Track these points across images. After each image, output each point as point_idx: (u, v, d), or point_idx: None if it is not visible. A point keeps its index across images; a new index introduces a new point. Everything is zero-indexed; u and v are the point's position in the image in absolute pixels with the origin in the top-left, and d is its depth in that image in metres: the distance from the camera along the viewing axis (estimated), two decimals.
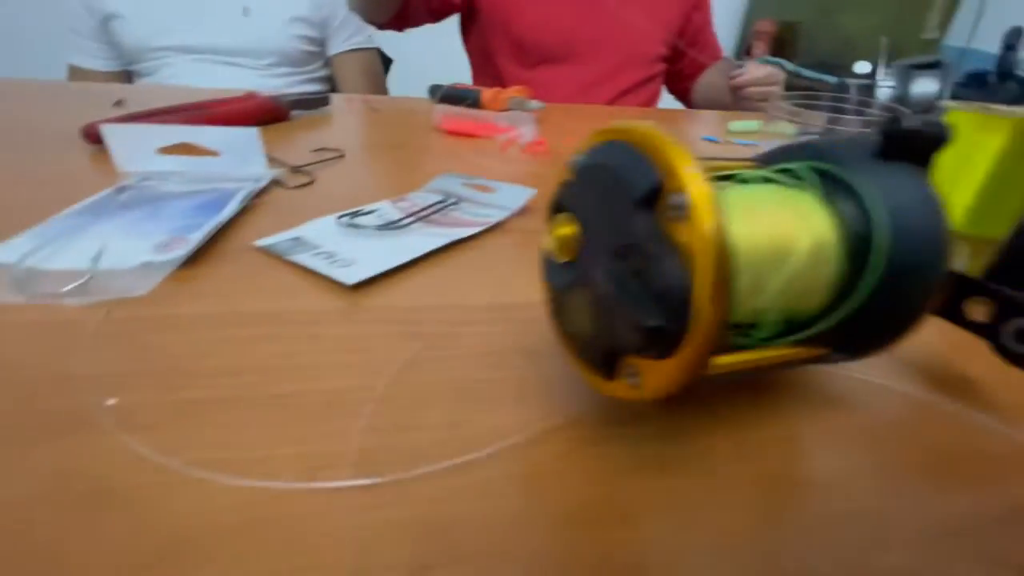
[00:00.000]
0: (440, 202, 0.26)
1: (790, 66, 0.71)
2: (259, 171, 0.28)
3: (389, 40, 0.99)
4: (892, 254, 0.12)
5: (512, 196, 0.27)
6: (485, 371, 0.16)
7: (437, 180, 0.29)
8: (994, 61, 1.22)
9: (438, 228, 0.24)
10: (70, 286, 0.17)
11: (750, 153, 0.44)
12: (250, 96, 0.41)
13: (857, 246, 0.12)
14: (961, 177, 0.27)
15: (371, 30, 0.99)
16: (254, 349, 0.16)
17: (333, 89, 1.01)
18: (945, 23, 1.30)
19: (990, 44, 1.39)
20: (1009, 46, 1.15)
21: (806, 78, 0.70)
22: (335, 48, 0.96)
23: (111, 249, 0.20)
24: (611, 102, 0.78)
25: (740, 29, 1.73)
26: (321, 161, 0.32)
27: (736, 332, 0.13)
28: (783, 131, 0.55)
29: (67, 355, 0.15)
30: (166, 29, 0.82)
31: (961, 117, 0.27)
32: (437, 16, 0.78)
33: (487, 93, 0.51)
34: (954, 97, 0.42)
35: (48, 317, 0.16)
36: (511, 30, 0.75)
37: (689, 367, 0.11)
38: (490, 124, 0.43)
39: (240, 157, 0.27)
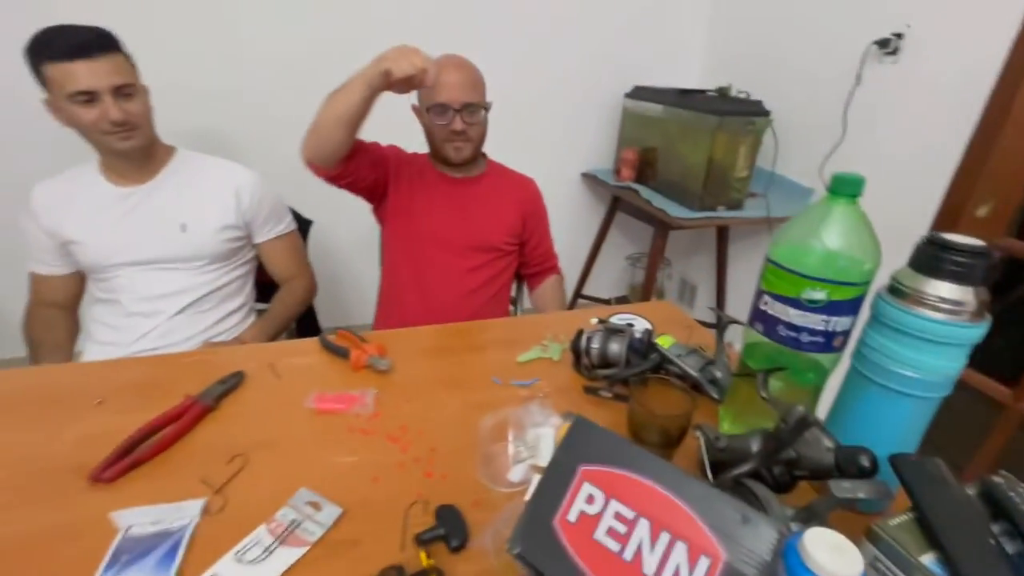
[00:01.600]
0: (292, 522, 0.51)
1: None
2: (194, 510, 0.52)
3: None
4: None
5: (329, 514, 0.52)
6: None
7: (297, 495, 0.54)
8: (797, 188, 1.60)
9: (288, 549, 0.49)
10: None
11: (524, 394, 0.70)
12: (187, 404, 0.65)
13: None
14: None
15: (289, 217, 1.23)
16: None
17: (260, 266, 1.22)
18: (751, 165, 1.68)
19: (792, 172, 1.79)
20: None
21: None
22: (259, 239, 1.18)
23: None
24: (469, 271, 1.16)
25: (614, 157, 2.11)
26: (234, 476, 0.57)
27: None
28: (552, 355, 0.83)
29: None
30: (117, 250, 1.04)
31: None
32: (369, 184, 1.12)
33: (353, 354, 0.77)
34: None
35: None
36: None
37: None
38: (347, 397, 0.69)
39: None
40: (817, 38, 1.68)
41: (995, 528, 0.41)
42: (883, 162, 1.49)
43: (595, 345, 0.75)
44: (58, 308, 1.08)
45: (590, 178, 2.17)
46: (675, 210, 1.70)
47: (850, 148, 1.58)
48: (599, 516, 0.39)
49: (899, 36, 1.41)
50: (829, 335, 0.53)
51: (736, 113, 1.62)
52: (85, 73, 0.87)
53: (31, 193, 1.02)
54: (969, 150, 1.28)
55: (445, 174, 1.17)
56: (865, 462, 0.44)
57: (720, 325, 0.75)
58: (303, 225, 1.43)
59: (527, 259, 1.27)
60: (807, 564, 0.33)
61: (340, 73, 0.92)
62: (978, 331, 0.46)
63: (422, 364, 0.80)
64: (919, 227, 1.39)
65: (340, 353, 0.78)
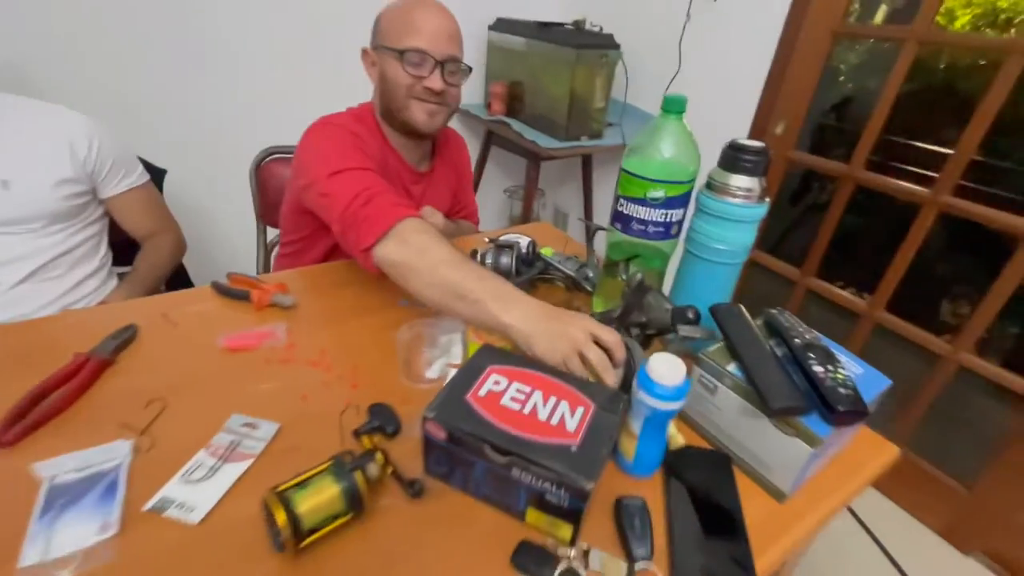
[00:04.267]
0: (232, 442, 0.55)
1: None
2: (124, 450, 0.53)
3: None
4: None
5: (267, 430, 0.57)
6: None
7: (230, 421, 0.57)
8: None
9: (233, 464, 0.53)
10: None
11: (433, 310, 0.78)
12: (81, 362, 0.62)
13: None
14: None
15: (140, 167, 1.11)
16: None
17: (112, 225, 1.10)
18: (606, 97, 1.85)
19: (642, 103, 2.00)
20: None
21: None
22: (108, 193, 1.06)
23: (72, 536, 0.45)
24: None
25: (484, 91, 2.14)
26: (157, 418, 0.57)
27: None
28: None
29: None
30: None
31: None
32: None
33: (254, 294, 0.78)
34: None
35: None
36: None
37: None
38: (256, 334, 0.71)
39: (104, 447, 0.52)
40: None
41: (772, 342, 0.60)
42: (710, 88, 1.74)
43: (488, 260, 0.85)
44: None
45: (463, 113, 2.19)
46: (544, 141, 1.82)
47: (684, 77, 1.81)
48: (503, 392, 0.52)
49: None
50: (668, 224, 0.68)
51: (592, 46, 1.74)
52: None
53: None
54: (768, 78, 1.56)
55: (407, 164, 0.97)
56: (691, 314, 0.61)
57: (589, 233, 0.89)
58: (156, 175, 1.29)
59: (451, 208, 1.16)
60: (651, 376, 0.47)
61: None
62: (762, 209, 0.64)
63: (327, 297, 0.83)
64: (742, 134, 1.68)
65: (239, 296, 0.78)
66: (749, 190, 0.63)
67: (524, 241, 0.99)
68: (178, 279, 1.34)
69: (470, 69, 0.93)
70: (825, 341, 0.58)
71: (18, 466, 0.50)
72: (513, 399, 0.51)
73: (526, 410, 0.49)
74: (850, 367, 0.57)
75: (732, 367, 0.56)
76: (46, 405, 0.57)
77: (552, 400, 0.51)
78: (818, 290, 1.60)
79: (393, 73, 0.86)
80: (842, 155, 1.50)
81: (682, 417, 0.62)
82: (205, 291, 0.80)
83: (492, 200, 2.47)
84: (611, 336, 0.57)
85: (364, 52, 0.91)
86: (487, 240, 0.91)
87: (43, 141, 0.93)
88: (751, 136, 1.65)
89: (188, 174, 1.60)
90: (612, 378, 0.56)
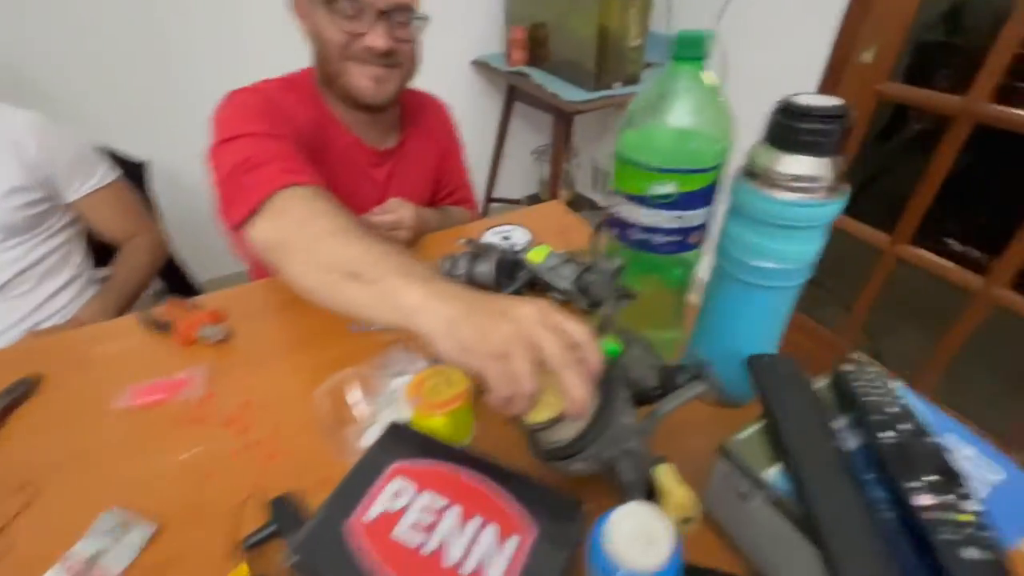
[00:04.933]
0: (94, 554, 0.43)
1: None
2: None
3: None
4: None
5: (139, 535, 0.44)
6: None
7: (100, 520, 0.45)
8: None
9: None
10: None
11: (388, 339, 0.62)
12: None
13: None
14: None
15: (104, 164, 1.00)
16: None
17: (89, 231, 1.02)
18: (644, 32, 1.53)
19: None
20: None
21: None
22: (72, 196, 0.96)
23: None
24: None
25: (503, 38, 1.87)
26: (22, 511, 0.46)
27: None
28: None
29: None
30: None
31: None
32: None
33: (178, 327, 0.65)
34: None
35: None
36: None
37: None
38: (170, 384, 0.58)
39: None
40: None
41: (843, 421, 0.38)
42: (776, 9, 1.38)
43: (460, 271, 0.67)
44: None
45: (481, 66, 1.94)
46: (570, 93, 1.56)
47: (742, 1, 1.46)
48: (403, 511, 0.34)
49: None
50: (684, 232, 0.47)
51: None
52: None
53: None
54: None
55: (362, 142, 0.78)
56: (690, 375, 0.40)
57: (597, 227, 0.68)
58: (134, 170, 1.19)
59: (434, 195, 0.97)
60: (609, 555, 0.28)
61: None
62: (835, 207, 0.41)
63: (268, 323, 0.69)
64: (812, 75, 1.33)
65: (164, 328, 0.66)
66: (814, 179, 0.39)
67: (519, 237, 0.80)
68: (175, 275, 1.26)
69: (426, 18, 0.70)
70: (939, 426, 0.36)
71: None
72: (415, 526, 0.34)
73: (428, 547, 0.33)
74: (980, 481, 0.35)
75: (774, 474, 0.36)
76: None
77: (474, 524, 0.34)
78: (914, 260, 1.28)
79: (323, 28, 0.65)
80: (948, 83, 1.14)
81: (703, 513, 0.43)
82: (129, 323, 0.68)
83: (518, 163, 2.23)
84: (577, 326, 0.35)
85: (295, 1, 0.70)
86: (463, 241, 0.72)
87: None
88: (831, 67, 1.29)
89: (173, 159, 1.49)
90: (580, 387, 0.32)
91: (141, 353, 0.64)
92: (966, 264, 1.21)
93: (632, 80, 1.61)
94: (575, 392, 0.32)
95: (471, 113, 2.07)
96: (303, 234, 0.48)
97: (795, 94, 0.40)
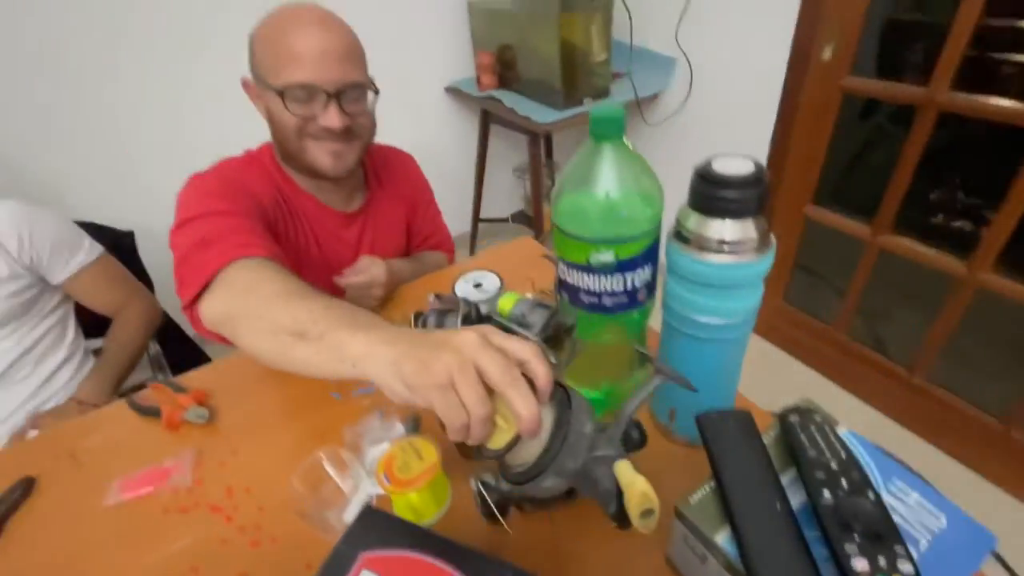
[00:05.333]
0: None
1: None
2: None
3: None
4: None
5: None
6: None
7: None
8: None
9: None
10: None
11: (367, 404, 0.63)
12: None
13: None
14: None
15: (87, 241, 1.03)
16: None
17: (78, 306, 1.04)
18: (607, 45, 1.55)
19: (651, 43, 1.67)
20: None
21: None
22: (59, 278, 0.99)
23: None
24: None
25: (472, 63, 1.89)
26: None
27: None
28: None
29: None
30: None
31: None
32: None
33: (164, 413, 0.67)
34: None
35: None
36: None
37: None
38: (158, 473, 0.60)
39: None
40: None
41: (790, 475, 0.39)
42: (733, 12, 1.39)
43: (431, 323, 0.68)
44: None
45: (454, 92, 1.96)
46: (540, 114, 1.57)
47: (700, 4, 1.47)
48: None
49: None
50: (631, 292, 0.48)
51: None
52: None
53: None
54: None
55: (328, 208, 0.81)
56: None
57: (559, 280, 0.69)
58: (120, 240, 1.22)
59: (409, 244, 0.98)
60: None
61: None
62: (765, 264, 0.42)
63: (251, 396, 0.70)
64: (775, 77, 1.34)
65: (151, 413, 0.68)
66: (740, 242, 0.41)
67: (489, 283, 0.81)
68: (177, 337, 1.29)
69: (377, 90, 0.72)
70: (883, 472, 0.37)
71: None
72: None
73: None
74: (923, 530, 0.36)
75: (723, 538, 0.37)
76: None
77: None
78: (897, 250, 1.28)
79: (279, 113, 0.68)
80: (923, 58, 1.14)
81: (669, 564, 0.44)
82: (118, 411, 0.70)
83: (501, 182, 2.25)
84: (520, 345, 0.35)
85: (245, 83, 0.73)
86: (432, 298, 0.73)
87: None
88: (792, 67, 1.30)
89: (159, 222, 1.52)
90: (526, 403, 0.32)
91: (129, 442, 0.66)
92: (955, 240, 1.21)
93: (602, 94, 1.62)
94: (521, 409, 0.32)
95: (450, 138, 2.09)
96: (248, 302, 0.49)
97: (715, 155, 0.42)
